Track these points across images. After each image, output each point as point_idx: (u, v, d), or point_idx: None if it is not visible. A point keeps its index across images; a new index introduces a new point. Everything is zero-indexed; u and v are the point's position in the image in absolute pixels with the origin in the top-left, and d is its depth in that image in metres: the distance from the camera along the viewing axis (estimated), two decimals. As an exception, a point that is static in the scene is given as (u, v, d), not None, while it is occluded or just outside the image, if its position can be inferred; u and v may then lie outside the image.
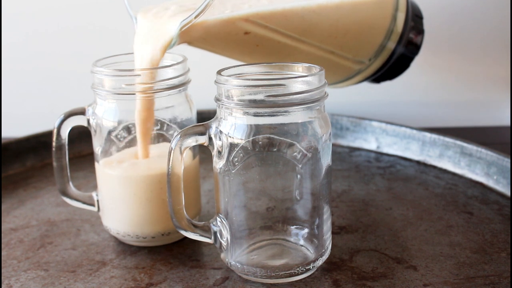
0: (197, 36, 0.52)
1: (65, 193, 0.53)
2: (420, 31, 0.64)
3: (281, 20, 0.53)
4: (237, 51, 0.57)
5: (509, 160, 0.60)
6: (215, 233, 0.46)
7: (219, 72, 0.44)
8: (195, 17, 0.47)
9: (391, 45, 0.62)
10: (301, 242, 0.46)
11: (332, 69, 0.61)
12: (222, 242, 0.46)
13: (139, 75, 0.48)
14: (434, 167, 0.67)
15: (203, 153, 0.58)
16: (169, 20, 0.50)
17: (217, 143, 0.44)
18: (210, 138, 0.44)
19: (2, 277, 0.48)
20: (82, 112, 0.51)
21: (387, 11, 0.61)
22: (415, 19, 0.64)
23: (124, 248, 0.52)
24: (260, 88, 0.42)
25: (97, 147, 0.51)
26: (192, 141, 0.44)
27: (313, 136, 0.43)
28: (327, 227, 0.46)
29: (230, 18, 0.51)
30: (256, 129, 0.43)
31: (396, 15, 0.61)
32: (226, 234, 0.46)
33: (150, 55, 0.49)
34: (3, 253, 0.52)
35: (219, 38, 0.53)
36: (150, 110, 0.50)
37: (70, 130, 0.51)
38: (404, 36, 0.62)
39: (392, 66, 0.65)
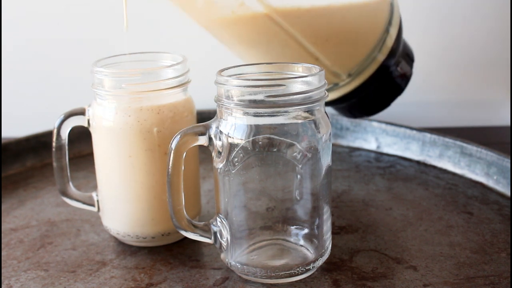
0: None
1: (65, 193, 0.53)
2: (408, 70, 0.63)
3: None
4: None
5: (509, 160, 0.60)
6: (215, 233, 0.46)
7: (219, 73, 0.44)
8: None
9: (381, 57, 0.60)
10: (301, 242, 0.46)
11: None
12: (222, 242, 0.46)
13: (139, 75, 0.48)
14: (434, 167, 0.67)
15: (203, 153, 0.58)
16: None
17: (217, 143, 0.44)
18: (210, 138, 0.44)
19: (2, 277, 0.48)
20: (82, 112, 0.51)
21: (378, 22, 0.59)
22: (405, 58, 0.63)
23: (124, 248, 0.52)
24: (260, 88, 0.42)
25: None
26: (192, 141, 0.44)
27: (313, 136, 0.43)
28: (327, 227, 0.46)
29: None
30: (256, 129, 0.43)
31: (389, 29, 0.60)
32: (226, 234, 0.46)
33: None
34: (3, 253, 0.52)
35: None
36: None
37: (70, 130, 0.51)
38: (396, 54, 0.61)
39: (373, 91, 0.62)
